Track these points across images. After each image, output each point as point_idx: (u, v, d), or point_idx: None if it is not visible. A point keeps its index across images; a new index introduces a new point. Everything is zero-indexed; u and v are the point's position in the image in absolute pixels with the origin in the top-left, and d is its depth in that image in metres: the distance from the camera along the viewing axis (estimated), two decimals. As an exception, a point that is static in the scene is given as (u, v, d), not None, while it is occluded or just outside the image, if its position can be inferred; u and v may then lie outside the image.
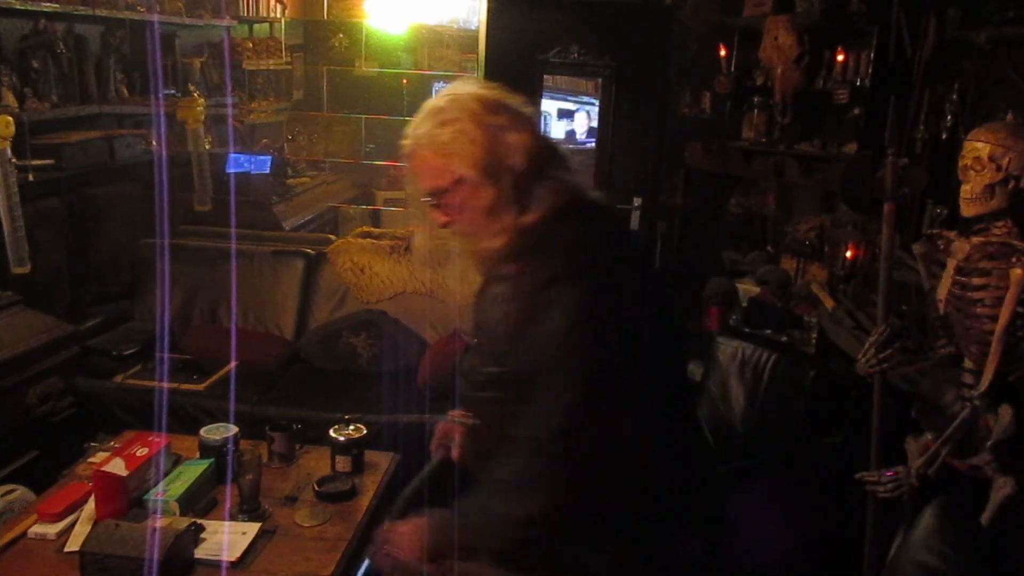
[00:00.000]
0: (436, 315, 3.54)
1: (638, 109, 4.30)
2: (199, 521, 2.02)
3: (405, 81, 6.41)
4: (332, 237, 4.33)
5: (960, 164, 1.92)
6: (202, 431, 2.35)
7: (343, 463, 2.34)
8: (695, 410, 1.63)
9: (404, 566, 1.44)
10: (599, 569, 1.40)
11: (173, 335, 3.55)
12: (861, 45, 3.24)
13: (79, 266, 3.76)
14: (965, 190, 1.90)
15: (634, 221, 4.38)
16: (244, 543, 1.98)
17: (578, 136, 6.84)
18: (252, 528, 2.04)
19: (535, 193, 1.38)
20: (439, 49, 6.49)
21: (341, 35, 6.42)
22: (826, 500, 2.77)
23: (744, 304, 3.70)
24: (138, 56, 4.27)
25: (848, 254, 3.33)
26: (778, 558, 2.72)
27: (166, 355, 3.36)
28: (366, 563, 1.96)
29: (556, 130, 6.94)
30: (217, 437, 2.30)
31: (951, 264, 1.94)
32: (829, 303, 3.06)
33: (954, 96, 2.88)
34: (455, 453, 1.64)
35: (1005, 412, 1.83)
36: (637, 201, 4.36)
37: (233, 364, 3.36)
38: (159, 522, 1.92)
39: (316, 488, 2.23)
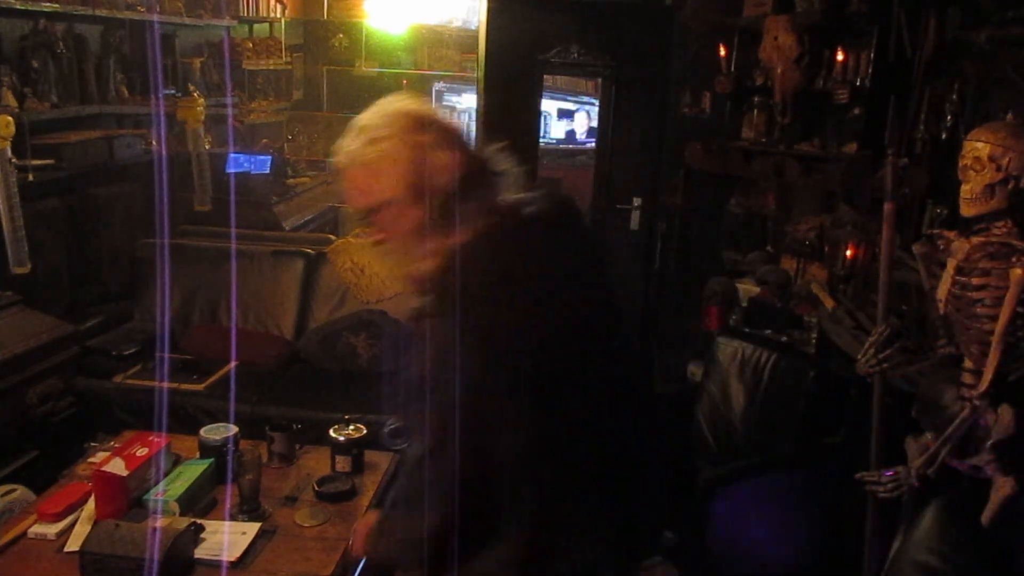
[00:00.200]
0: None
1: (638, 109, 4.29)
2: (199, 521, 2.02)
3: (405, 81, 6.40)
4: (332, 237, 4.33)
5: (960, 164, 1.92)
6: (202, 431, 2.35)
7: (343, 463, 2.34)
8: (650, 413, 1.64)
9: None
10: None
11: (173, 335, 3.56)
12: (861, 45, 3.24)
13: (79, 266, 3.76)
14: (965, 190, 1.90)
15: (634, 221, 4.38)
16: (244, 543, 1.98)
17: (578, 136, 6.86)
18: (252, 528, 2.04)
19: (462, 214, 1.34)
20: (439, 49, 6.49)
21: (341, 35, 6.42)
22: (826, 500, 2.77)
23: (744, 304, 3.70)
24: (138, 56, 4.27)
25: (848, 254, 3.32)
26: (778, 558, 2.72)
27: (166, 355, 3.36)
28: (363, 562, 1.97)
29: (556, 130, 6.97)
30: (217, 437, 2.30)
31: (951, 264, 1.94)
32: (829, 303, 3.06)
33: (954, 96, 2.87)
34: None
35: (1005, 412, 1.83)
36: (637, 201, 4.36)
37: (233, 364, 3.36)
38: (159, 522, 1.92)
39: (316, 488, 2.23)
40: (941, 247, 1.99)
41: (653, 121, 4.32)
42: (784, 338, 3.38)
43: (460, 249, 1.31)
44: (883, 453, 2.17)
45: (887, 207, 2.08)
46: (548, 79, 4.82)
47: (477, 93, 4.35)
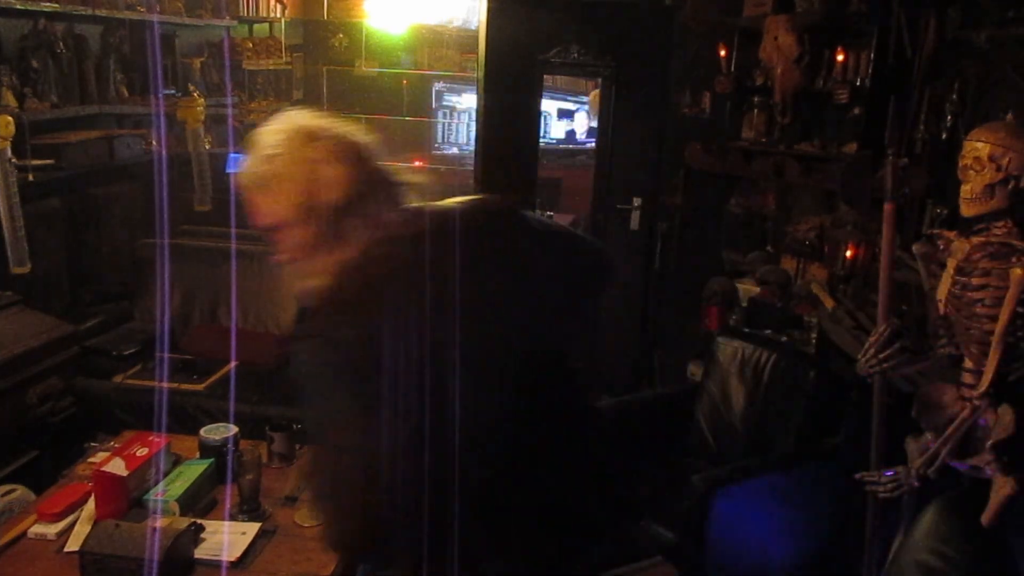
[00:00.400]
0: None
1: (638, 109, 4.29)
2: (199, 521, 2.02)
3: (405, 81, 6.41)
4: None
5: (960, 164, 1.92)
6: (202, 431, 2.35)
7: (343, 463, 2.34)
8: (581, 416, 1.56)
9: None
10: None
11: (173, 335, 3.55)
12: (861, 45, 3.24)
13: (79, 266, 3.76)
14: (965, 190, 1.90)
15: (634, 221, 4.38)
16: (244, 543, 1.98)
17: (578, 136, 6.86)
18: (252, 528, 2.04)
19: (350, 231, 1.32)
20: (439, 49, 6.49)
21: (341, 35, 6.42)
22: (825, 500, 2.77)
23: (744, 304, 3.70)
24: (138, 56, 4.27)
25: (848, 254, 3.33)
26: (778, 558, 2.72)
27: (166, 355, 3.36)
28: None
29: (556, 130, 6.97)
30: (217, 437, 2.30)
31: (951, 264, 1.94)
32: (829, 303, 3.07)
33: (954, 96, 2.87)
34: None
35: (1005, 412, 1.83)
36: (637, 201, 4.35)
37: (233, 364, 3.36)
38: (159, 522, 1.92)
39: (316, 488, 2.23)
40: (941, 247, 2.00)
41: (653, 121, 4.31)
42: (784, 338, 3.39)
43: (341, 267, 1.30)
44: (883, 453, 2.17)
45: (887, 207, 2.09)
46: (548, 79, 4.82)
47: (477, 93, 4.35)
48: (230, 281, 3.65)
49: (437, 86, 6.62)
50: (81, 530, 1.98)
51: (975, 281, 1.87)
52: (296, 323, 1.39)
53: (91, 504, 2.08)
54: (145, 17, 4.21)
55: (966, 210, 1.92)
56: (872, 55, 3.16)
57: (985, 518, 1.87)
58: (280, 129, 1.36)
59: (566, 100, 6.87)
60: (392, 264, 1.32)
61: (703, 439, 3.11)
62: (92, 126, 3.98)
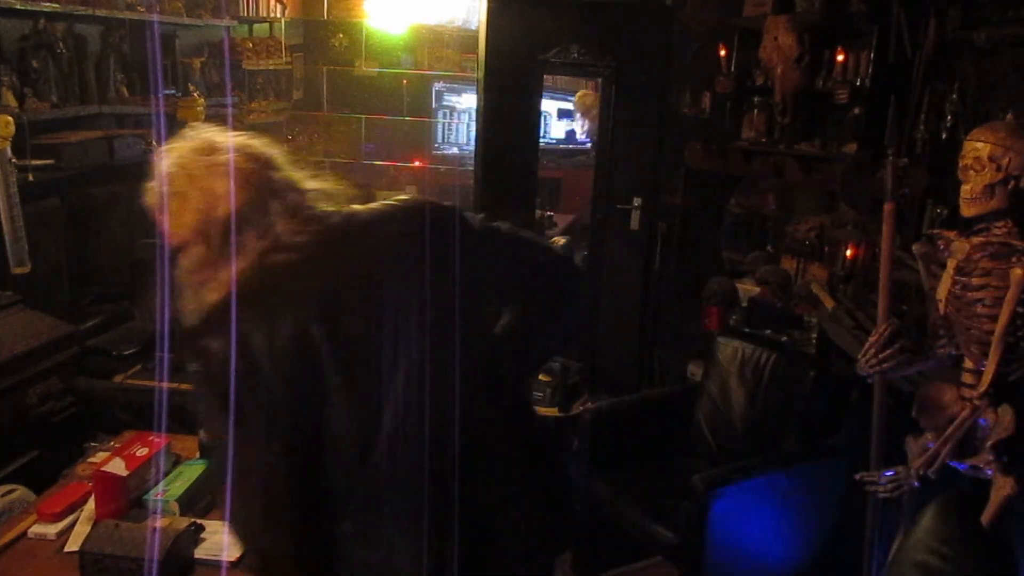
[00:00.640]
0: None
1: (638, 109, 4.29)
2: (199, 521, 2.01)
3: (405, 81, 6.40)
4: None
5: (960, 164, 1.92)
6: (202, 431, 2.35)
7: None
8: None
9: None
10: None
11: (173, 335, 3.55)
12: (861, 45, 3.24)
13: (79, 266, 3.76)
14: (965, 190, 1.90)
15: (634, 221, 4.38)
16: (244, 543, 1.98)
17: (578, 136, 6.86)
18: (252, 528, 2.03)
19: (246, 243, 1.32)
20: (439, 49, 6.49)
21: (341, 35, 6.42)
22: (825, 500, 2.77)
23: (744, 304, 3.70)
24: (138, 56, 4.27)
25: (848, 254, 3.33)
26: (778, 558, 2.72)
27: (166, 355, 3.36)
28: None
29: (556, 130, 6.97)
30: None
31: (951, 264, 1.94)
32: (829, 303, 3.07)
33: (954, 96, 2.87)
34: None
35: (1005, 412, 1.84)
36: (637, 201, 4.36)
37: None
38: (159, 522, 1.92)
39: (316, 488, 2.23)
40: (941, 247, 2.00)
41: (653, 121, 4.32)
42: (784, 338, 3.39)
43: (231, 281, 1.31)
44: (883, 453, 2.17)
45: (887, 207, 2.09)
46: (548, 79, 4.82)
47: (477, 93, 4.35)
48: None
49: (437, 86, 6.61)
50: (81, 530, 1.98)
51: (975, 281, 1.88)
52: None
53: (91, 504, 2.08)
54: (145, 17, 4.20)
55: (966, 210, 1.92)
56: (872, 55, 3.16)
57: (985, 518, 1.87)
58: (176, 148, 1.37)
59: (566, 100, 6.87)
60: (276, 273, 1.32)
61: (703, 439, 3.11)
62: (92, 126, 3.97)
